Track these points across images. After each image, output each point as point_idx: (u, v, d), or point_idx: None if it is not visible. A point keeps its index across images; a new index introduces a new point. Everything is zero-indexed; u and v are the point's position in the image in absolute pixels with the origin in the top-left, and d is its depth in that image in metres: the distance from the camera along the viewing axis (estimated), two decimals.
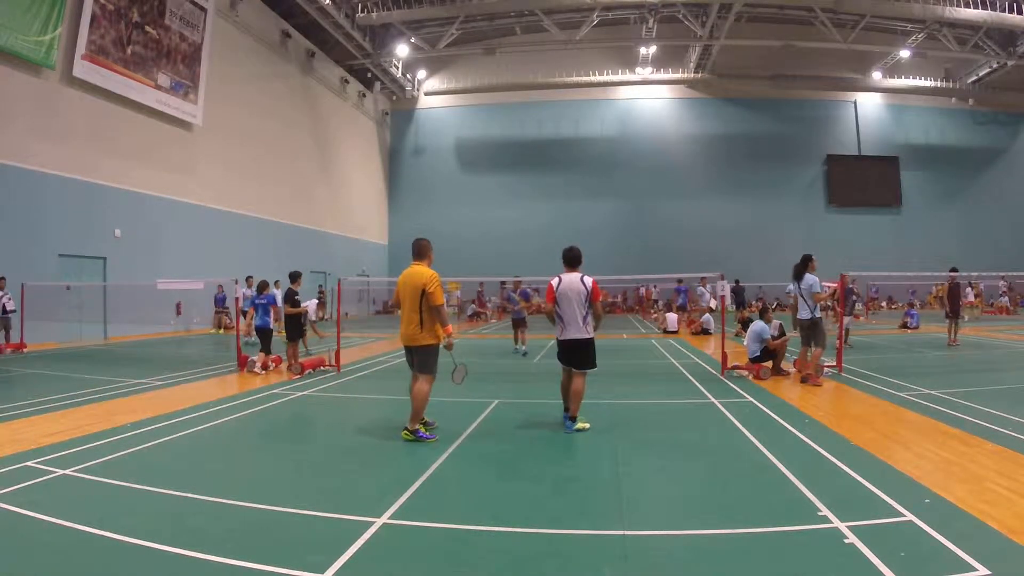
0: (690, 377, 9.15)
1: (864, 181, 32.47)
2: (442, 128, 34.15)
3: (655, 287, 28.66)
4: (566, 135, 33.26)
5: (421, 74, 33.43)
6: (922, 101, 32.73)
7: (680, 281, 22.32)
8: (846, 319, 12.65)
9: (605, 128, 33.29)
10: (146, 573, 2.94)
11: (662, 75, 31.22)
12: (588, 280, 5.73)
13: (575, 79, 30.58)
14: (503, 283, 24.43)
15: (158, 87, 17.77)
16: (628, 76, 31.14)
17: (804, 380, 8.26)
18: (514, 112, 33.12)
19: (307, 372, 9.55)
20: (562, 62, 29.81)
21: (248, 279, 15.22)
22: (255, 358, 9.92)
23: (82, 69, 15.24)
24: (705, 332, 16.51)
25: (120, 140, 16.71)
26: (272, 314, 10.11)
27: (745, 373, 9.00)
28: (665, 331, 17.31)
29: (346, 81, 29.44)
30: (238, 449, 5.49)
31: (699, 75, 30.73)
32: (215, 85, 19.99)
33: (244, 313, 14.38)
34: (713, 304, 16.56)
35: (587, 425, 5.70)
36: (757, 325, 9.16)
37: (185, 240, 18.62)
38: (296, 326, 10.06)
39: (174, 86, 18.39)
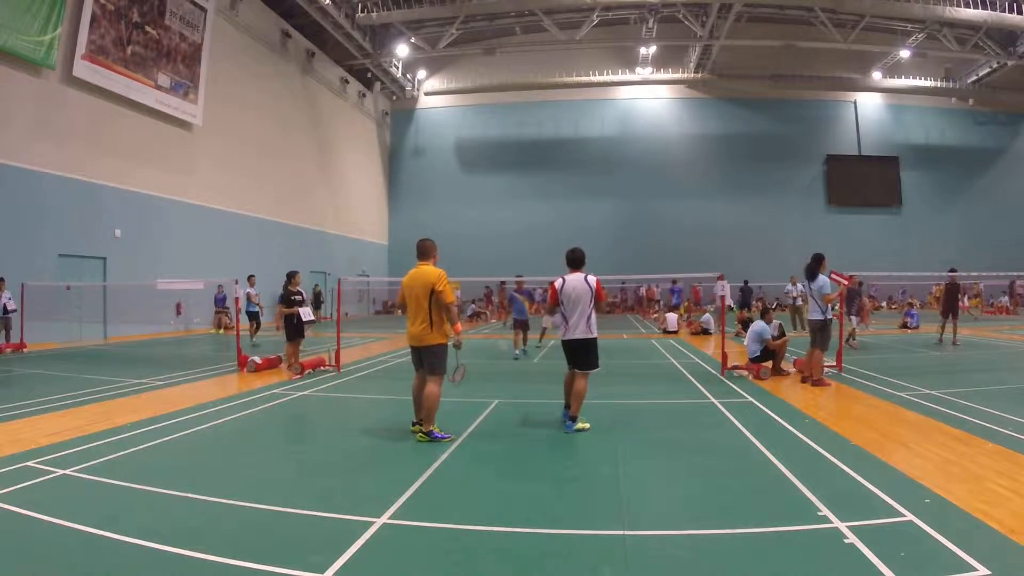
0: (690, 377, 9.15)
1: (864, 181, 32.46)
2: (442, 128, 34.15)
3: (657, 287, 28.69)
4: (566, 135, 33.27)
5: (421, 74, 33.43)
6: (922, 101, 32.72)
7: (675, 282, 22.37)
8: (854, 320, 12.69)
9: (605, 128, 33.29)
10: (146, 573, 2.94)
11: (662, 75, 31.22)
12: (592, 279, 5.78)
13: (575, 79, 30.58)
14: (503, 283, 24.46)
15: (158, 87, 17.77)
16: (628, 76, 31.14)
17: (805, 380, 8.25)
18: (514, 112, 33.12)
19: (307, 372, 9.55)
20: (562, 62, 29.81)
21: (250, 278, 15.21)
22: (255, 358, 9.95)
23: (82, 69, 15.24)
24: (705, 332, 16.51)
25: (120, 140, 16.71)
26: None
27: (745, 373, 9.00)
28: (665, 331, 17.32)
29: (346, 81, 29.44)
30: (238, 449, 5.48)
31: (699, 75, 30.73)
32: (215, 85, 20.00)
33: (253, 315, 14.54)
34: (731, 303, 16.42)
35: (587, 425, 5.71)
36: (757, 325, 9.16)
37: (185, 240, 18.62)
38: (294, 326, 10.04)
39: (174, 86, 18.39)
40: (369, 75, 31.21)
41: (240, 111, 21.65)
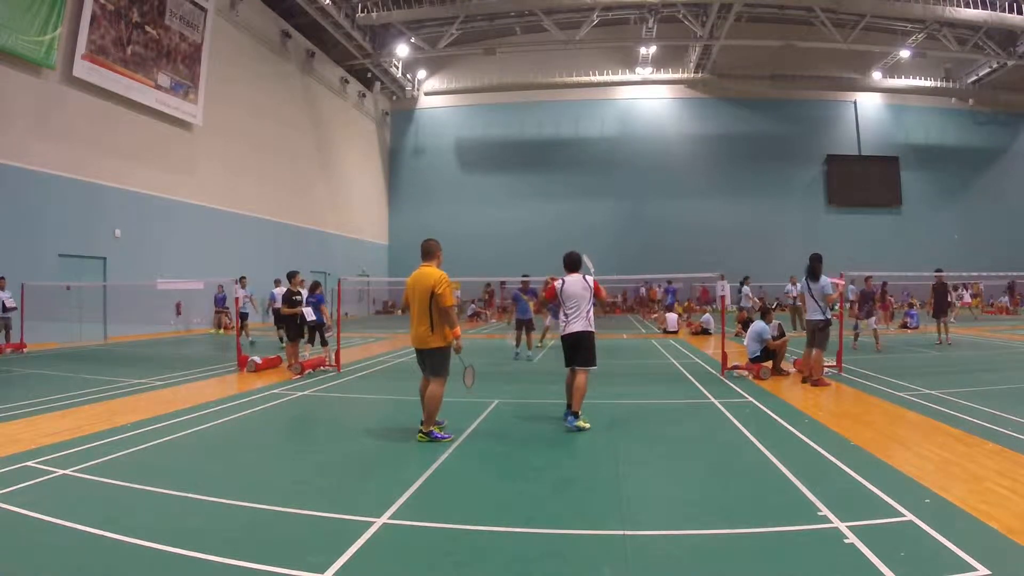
0: (690, 377, 9.15)
1: (864, 181, 32.45)
2: (442, 128, 34.14)
3: (659, 287, 28.68)
4: (566, 135, 33.26)
5: (421, 74, 33.42)
6: (922, 101, 32.71)
7: (669, 282, 22.46)
8: (871, 321, 12.69)
9: (605, 128, 33.29)
10: (146, 573, 2.94)
11: (662, 75, 31.21)
12: (590, 279, 6.08)
13: (575, 79, 30.57)
14: (503, 283, 24.46)
15: (158, 87, 17.77)
16: (628, 76, 31.14)
17: (806, 381, 8.25)
18: (514, 112, 33.11)
19: (307, 372, 9.54)
20: (562, 62, 29.79)
21: (241, 279, 14.83)
22: (255, 358, 9.95)
23: (82, 69, 15.24)
24: (705, 332, 16.51)
25: (120, 140, 16.71)
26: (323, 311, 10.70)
27: (745, 373, 9.00)
28: (665, 331, 17.32)
29: (346, 81, 29.43)
30: (238, 449, 5.48)
31: (699, 75, 30.72)
32: (215, 85, 19.99)
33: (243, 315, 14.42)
34: (753, 303, 16.34)
35: (588, 425, 5.72)
36: (757, 325, 9.16)
37: (185, 240, 18.62)
38: (295, 326, 10.05)
39: (174, 86, 18.39)
40: (369, 75, 31.20)
41: (240, 111, 21.65)
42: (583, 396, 5.78)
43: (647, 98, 32.96)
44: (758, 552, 3.14)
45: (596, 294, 6.02)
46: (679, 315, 19.68)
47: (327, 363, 10.11)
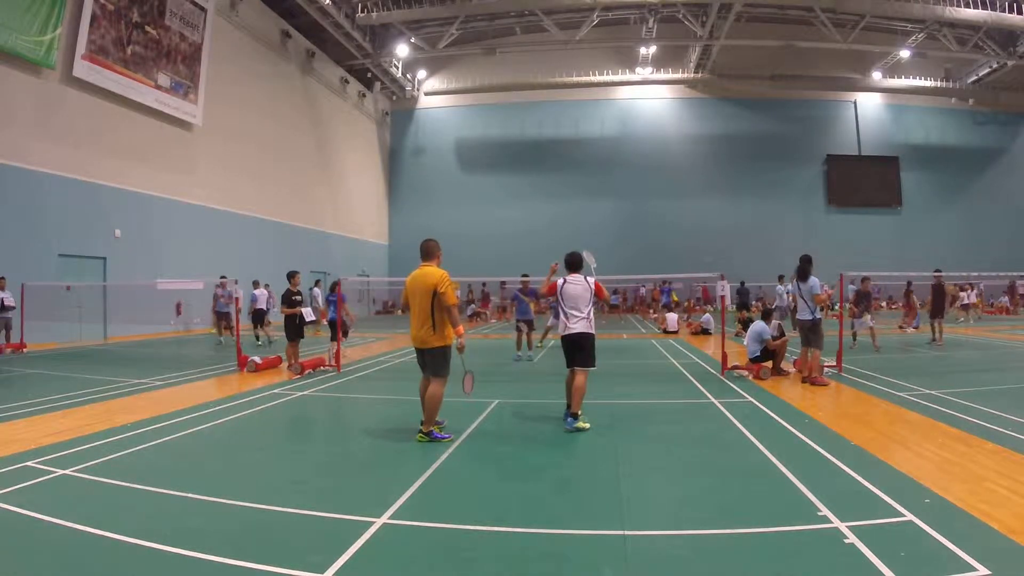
0: (690, 377, 9.15)
1: (864, 181, 32.47)
2: (442, 128, 34.15)
3: (658, 287, 28.69)
4: (566, 135, 33.27)
5: (421, 74, 33.43)
6: (922, 101, 32.73)
7: (665, 282, 22.52)
8: (868, 320, 12.69)
9: (605, 128, 33.30)
10: (146, 573, 2.94)
11: (662, 75, 31.24)
12: (591, 279, 6.08)
13: (575, 79, 30.59)
14: (503, 283, 24.44)
15: (158, 87, 17.77)
16: (628, 76, 31.15)
17: (805, 381, 8.25)
18: (514, 112, 33.12)
19: (307, 372, 9.54)
20: (562, 62, 29.81)
21: (222, 279, 14.22)
22: (255, 358, 9.96)
23: (82, 69, 15.24)
24: (705, 332, 16.51)
25: (120, 140, 16.71)
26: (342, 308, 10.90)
27: (745, 373, 9.00)
28: (665, 331, 17.32)
29: (346, 81, 29.44)
30: (238, 449, 5.48)
31: (699, 75, 30.74)
32: (215, 85, 20.00)
33: (224, 315, 14.57)
34: (788, 303, 15.94)
35: (587, 425, 5.72)
36: (757, 325, 9.16)
37: (185, 240, 18.62)
38: (294, 326, 10.05)
39: (174, 86, 18.39)
40: (369, 75, 31.21)
41: (240, 111, 21.64)
42: (582, 396, 5.78)
43: (647, 98, 32.98)
44: (758, 552, 3.13)
45: (597, 294, 6.02)
46: (675, 304, 19.68)
47: (327, 363, 10.12)
